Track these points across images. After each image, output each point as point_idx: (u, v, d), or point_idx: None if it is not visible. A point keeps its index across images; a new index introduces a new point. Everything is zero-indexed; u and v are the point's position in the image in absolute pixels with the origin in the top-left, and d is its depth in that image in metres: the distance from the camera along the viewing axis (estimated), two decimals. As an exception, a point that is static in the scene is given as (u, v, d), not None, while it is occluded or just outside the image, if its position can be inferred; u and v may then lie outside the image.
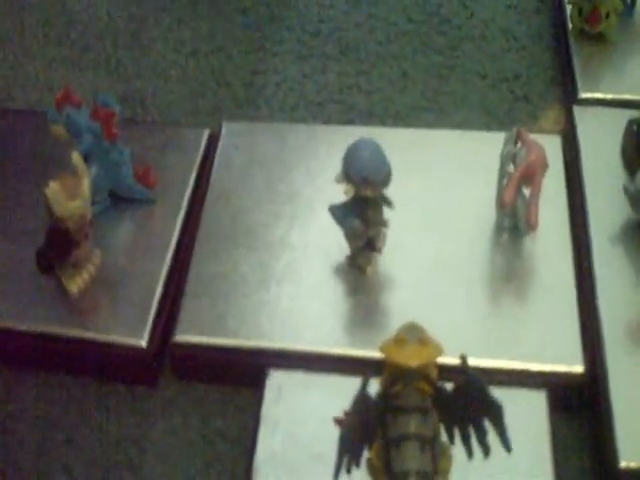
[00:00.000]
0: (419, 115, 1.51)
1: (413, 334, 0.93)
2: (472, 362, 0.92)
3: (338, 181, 1.12)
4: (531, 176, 1.16)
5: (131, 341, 1.18)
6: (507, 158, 1.20)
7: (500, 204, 1.20)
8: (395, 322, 1.02)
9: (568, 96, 1.47)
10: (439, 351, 0.93)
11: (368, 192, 1.12)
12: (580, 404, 1.13)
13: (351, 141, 1.14)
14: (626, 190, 1.22)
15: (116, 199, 1.32)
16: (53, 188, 1.13)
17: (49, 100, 1.53)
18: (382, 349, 0.93)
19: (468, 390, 0.94)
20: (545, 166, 1.16)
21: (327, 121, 1.51)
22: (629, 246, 1.21)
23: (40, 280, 1.23)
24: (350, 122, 1.50)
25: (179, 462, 1.14)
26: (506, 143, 1.22)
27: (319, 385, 1.12)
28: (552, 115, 1.48)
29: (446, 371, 0.95)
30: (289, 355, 1.15)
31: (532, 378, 1.11)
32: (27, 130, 1.47)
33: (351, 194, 1.13)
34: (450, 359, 0.92)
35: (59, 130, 1.28)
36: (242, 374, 1.18)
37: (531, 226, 1.17)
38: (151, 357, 1.18)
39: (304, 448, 1.06)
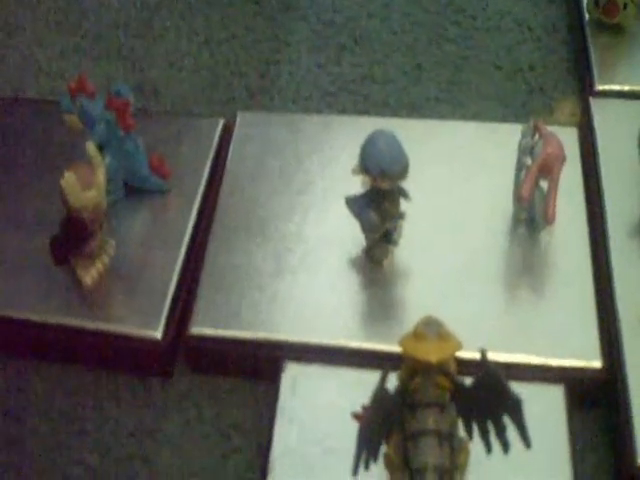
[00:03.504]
0: (434, 106, 1.50)
1: (432, 328, 0.92)
2: (489, 356, 0.92)
3: (355, 173, 1.12)
4: (549, 169, 1.15)
5: (146, 333, 1.18)
6: (524, 151, 1.19)
7: (517, 197, 1.20)
8: (411, 315, 1.01)
9: (584, 88, 1.46)
10: (458, 346, 0.92)
11: (385, 184, 1.11)
12: (598, 400, 1.13)
13: (366, 132, 1.13)
14: (644, 183, 1.21)
15: (130, 189, 1.32)
16: (68, 178, 1.13)
17: (61, 89, 1.53)
18: (401, 343, 0.93)
19: (487, 385, 0.93)
20: (563, 159, 1.15)
21: (341, 111, 1.50)
22: (646, 239, 1.21)
23: (54, 271, 1.22)
24: (364, 112, 1.49)
25: (193, 455, 1.14)
26: (523, 136, 1.21)
27: (335, 378, 1.12)
28: (568, 107, 1.46)
29: (463, 365, 0.94)
30: (305, 348, 1.14)
31: (550, 373, 1.10)
32: (40, 119, 1.46)
33: (368, 186, 1.12)
34: (467, 353, 0.92)
35: (73, 120, 1.27)
36: (257, 367, 1.17)
37: (549, 220, 1.16)
38: (166, 349, 1.18)
39: (320, 442, 1.06)
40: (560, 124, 1.39)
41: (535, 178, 1.16)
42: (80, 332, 1.20)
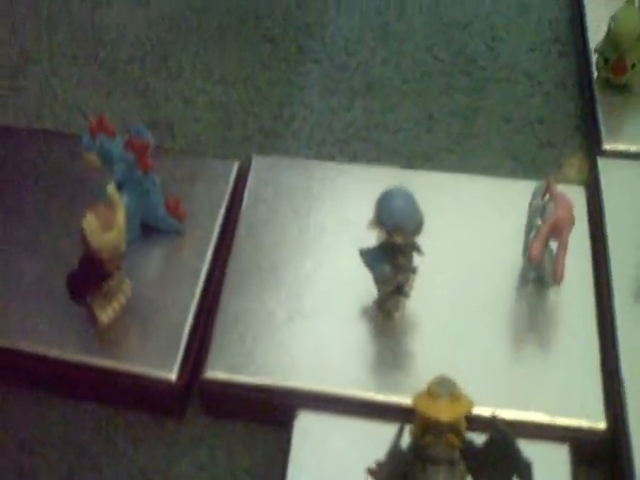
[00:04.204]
0: (444, 157, 1.53)
1: (445, 388, 0.95)
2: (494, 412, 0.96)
3: (370, 226, 1.15)
4: (559, 231, 1.18)
5: (161, 374, 1.21)
6: (535, 211, 1.22)
7: (527, 258, 1.23)
8: (421, 368, 1.05)
9: (592, 146, 1.49)
10: (470, 406, 0.95)
11: (400, 240, 1.14)
12: (602, 459, 1.16)
13: (378, 181, 1.17)
14: (649, 245, 1.24)
15: (146, 229, 1.34)
16: (89, 220, 1.15)
17: (77, 121, 1.57)
18: (414, 401, 0.96)
19: (497, 446, 0.97)
20: (572, 222, 1.19)
21: (353, 157, 1.53)
22: (651, 301, 1.24)
23: (70, 307, 1.24)
24: (375, 160, 1.52)
25: (205, 496, 1.16)
26: (534, 196, 1.24)
27: (346, 428, 1.14)
28: (577, 163, 1.50)
29: (470, 420, 0.97)
30: (317, 397, 1.17)
31: (555, 432, 1.14)
32: (56, 151, 1.49)
33: (382, 239, 1.16)
34: (475, 409, 0.95)
35: (92, 158, 1.29)
36: (270, 413, 1.20)
37: (557, 280, 1.20)
38: (180, 391, 1.21)
39: (331, 491, 1.09)
40: (568, 181, 1.43)
41: (545, 239, 1.19)
42: (95, 370, 1.23)
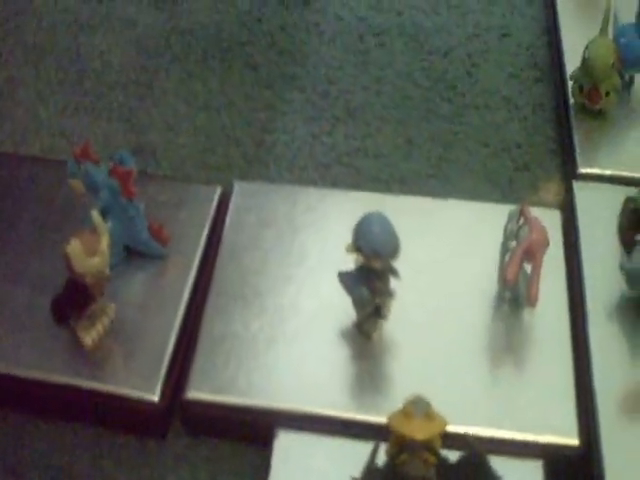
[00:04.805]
0: (423, 182, 1.56)
1: (420, 407, 0.98)
2: (471, 431, 0.98)
3: (348, 251, 1.17)
4: (533, 254, 1.21)
5: (143, 395, 1.22)
6: (510, 235, 1.25)
7: (502, 279, 1.25)
8: (399, 388, 1.08)
9: (567, 170, 1.52)
10: (444, 425, 0.98)
11: (377, 264, 1.17)
12: (576, 475, 1.18)
13: (359, 206, 1.19)
14: (622, 267, 1.27)
15: (129, 253, 1.36)
16: (74, 245, 1.17)
17: (62, 147, 1.59)
18: (390, 420, 0.99)
19: (470, 463, 0.99)
20: (546, 244, 1.21)
21: (334, 183, 1.56)
22: (625, 322, 1.27)
23: (55, 330, 1.26)
24: (356, 185, 1.55)
25: (187, 516, 1.18)
26: (509, 219, 1.27)
27: (325, 447, 1.17)
28: (553, 187, 1.53)
29: (446, 438, 0.99)
30: (297, 416, 1.19)
31: (529, 448, 1.16)
32: (41, 177, 1.50)
33: (360, 263, 1.18)
34: (450, 427, 0.98)
35: (77, 184, 1.31)
36: (251, 433, 1.22)
37: (531, 302, 1.22)
38: (162, 412, 1.23)
39: (310, 509, 1.11)
40: (545, 204, 1.45)
41: (520, 262, 1.22)
42: (79, 391, 1.24)
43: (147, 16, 1.89)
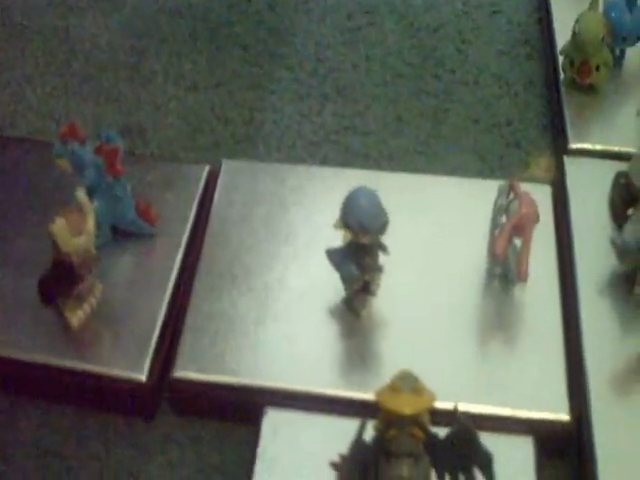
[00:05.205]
0: (413, 158, 1.55)
1: (407, 382, 0.97)
2: (461, 407, 0.98)
3: (336, 227, 1.16)
4: (522, 228, 1.20)
5: (131, 375, 1.22)
6: (500, 210, 1.24)
7: (492, 254, 1.25)
8: (388, 365, 1.07)
9: (559, 145, 1.51)
10: (432, 400, 0.97)
11: (365, 239, 1.16)
12: (566, 451, 1.17)
13: (347, 183, 1.18)
14: (613, 242, 1.26)
15: (117, 233, 1.35)
16: (59, 224, 1.16)
17: (50, 128, 1.58)
18: (377, 396, 0.97)
19: (459, 439, 0.99)
20: (536, 219, 1.20)
21: (323, 161, 1.55)
22: (615, 297, 1.26)
23: (42, 311, 1.25)
24: (346, 163, 1.54)
25: (175, 496, 1.17)
26: (499, 195, 1.26)
27: (314, 425, 1.16)
28: (544, 163, 1.52)
29: (436, 414, 0.98)
30: (285, 394, 1.18)
31: (519, 425, 1.15)
32: (29, 159, 1.50)
33: (348, 239, 1.17)
34: (441, 403, 0.97)
35: (64, 164, 1.30)
36: (239, 411, 1.21)
37: (521, 277, 1.21)
38: (150, 391, 1.22)
39: (299, 487, 1.10)
40: (535, 180, 1.44)
41: (509, 236, 1.21)
42: (66, 372, 1.24)
43: (136, -3, 1.88)
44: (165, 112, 1.66)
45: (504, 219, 1.23)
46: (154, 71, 1.74)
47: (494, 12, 1.82)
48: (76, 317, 1.25)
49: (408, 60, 1.73)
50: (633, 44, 1.57)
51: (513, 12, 1.82)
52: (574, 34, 1.52)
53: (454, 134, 1.59)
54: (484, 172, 1.51)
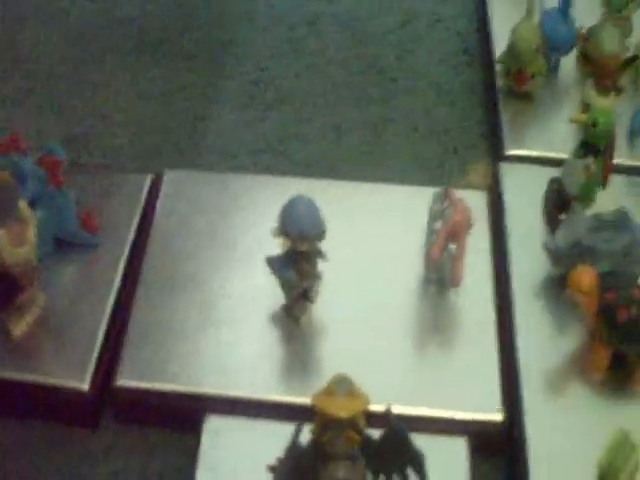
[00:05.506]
0: (354, 166, 1.57)
1: (343, 386, 0.99)
2: (396, 410, 1.00)
3: (275, 235, 1.18)
4: (456, 234, 1.22)
5: (73, 384, 1.22)
6: (435, 216, 1.27)
7: (427, 259, 1.27)
8: (327, 370, 1.08)
9: (495, 152, 1.54)
10: (366, 402, 0.99)
11: (303, 246, 1.18)
12: (499, 450, 1.20)
13: (289, 192, 1.20)
14: (546, 246, 1.29)
15: (60, 243, 1.35)
16: (0, 236, 1.16)
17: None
18: (313, 400, 0.99)
19: (392, 440, 1.01)
20: (470, 225, 1.23)
21: (266, 169, 1.57)
22: (549, 300, 1.29)
23: (-18, 321, 1.25)
24: (288, 171, 1.55)
25: (119, 504, 1.18)
26: (434, 201, 1.28)
27: (255, 430, 1.17)
28: (481, 170, 1.54)
29: (372, 417, 1.00)
30: (226, 401, 1.20)
31: (454, 425, 1.17)
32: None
33: (287, 247, 1.19)
34: (376, 406, 0.99)
35: (5, 175, 1.30)
36: (181, 418, 1.22)
37: (454, 283, 1.24)
38: (93, 400, 1.23)
39: (241, 492, 1.11)
40: (473, 187, 1.47)
41: (444, 242, 1.23)
42: (8, 383, 1.24)
43: (80, 7, 1.88)
44: (109, 122, 1.67)
45: (439, 225, 1.25)
46: (98, 81, 1.75)
47: (435, 21, 1.85)
48: (18, 327, 1.25)
49: (350, 69, 1.75)
50: (567, 53, 1.60)
51: (453, 22, 1.85)
52: (510, 43, 1.55)
53: (394, 142, 1.62)
54: (423, 179, 1.53)
